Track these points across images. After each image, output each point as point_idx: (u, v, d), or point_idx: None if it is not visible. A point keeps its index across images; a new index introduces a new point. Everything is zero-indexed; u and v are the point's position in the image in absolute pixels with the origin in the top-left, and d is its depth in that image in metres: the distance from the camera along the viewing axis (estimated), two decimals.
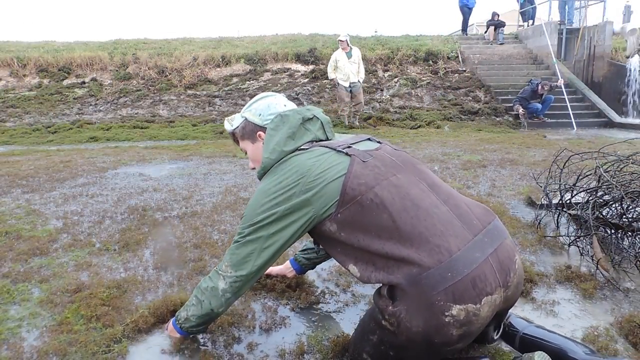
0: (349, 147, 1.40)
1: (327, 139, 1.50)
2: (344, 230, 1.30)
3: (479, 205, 1.39)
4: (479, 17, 14.81)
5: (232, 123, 1.62)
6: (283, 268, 2.04)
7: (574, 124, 9.17)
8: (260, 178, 1.48)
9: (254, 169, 1.60)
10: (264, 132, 1.53)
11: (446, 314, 1.18)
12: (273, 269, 2.03)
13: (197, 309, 1.50)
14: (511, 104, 9.82)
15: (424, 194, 1.31)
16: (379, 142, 1.49)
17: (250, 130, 1.57)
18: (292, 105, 1.60)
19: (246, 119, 1.58)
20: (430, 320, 1.19)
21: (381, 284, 1.31)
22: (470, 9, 14.02)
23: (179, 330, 1.59)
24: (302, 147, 1.43)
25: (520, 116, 9.11)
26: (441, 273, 1.18)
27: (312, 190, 1.31)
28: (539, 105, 9.32)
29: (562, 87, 9.60)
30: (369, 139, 1.50)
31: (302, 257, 1.97)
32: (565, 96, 9.55)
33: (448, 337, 1.20)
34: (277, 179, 1.37)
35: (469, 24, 14.59)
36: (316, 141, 1.47)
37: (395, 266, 1.23)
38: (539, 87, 9.08)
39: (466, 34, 14.33)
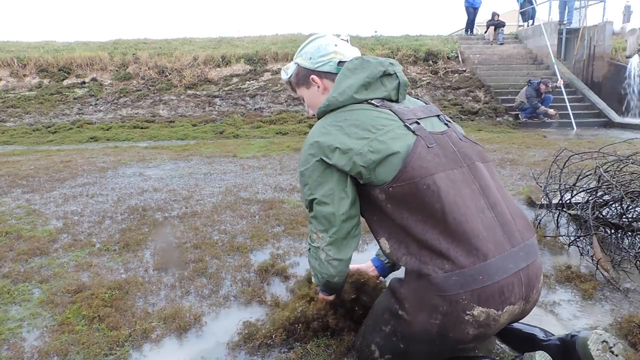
0: (417, 122, 1.34)
1: (398, 101, 1.44)
2: (392, 203, 1.28)
3: (524, 217, 1.37)
4: (479, 17, 14.81)
5: (287, 72, 1.59)
6: (364, 267, 1.86)
7: (573, 124, 9.17)
8: (319, 117, 1.42)
9: (314, 115, 1.52)
10: (317, 76, 1.50)
11: (467, 312, 1.19)
12: (353, 267, 1.76)
13: (316, 279, 1.51)
14: (511, 104, 9.83)
15: (474, 195, 1.28)
16: (446, 123, 1.42)
17: (304, 76, 1.53)
18: (343, 45, 1.54)
19: (298, 64, 1.54)
20: (450, 315, 1.20)
21: (405, 272, 1.31)
22: (476, 9, 14.03)
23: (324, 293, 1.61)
24: (372, 102, 1.38)
25: (551, 117, 9.12)
26: (473, 275, 1.19)
27: (378, 151, 1.26)
28: (539, 105, 9.34)
29: (562, 87, 9.60)
30: (438, 117, 1.43)
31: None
32: (565, 96, 9.55)
33: (463, 335, 1.22)
34: (345, 122, 1.32)
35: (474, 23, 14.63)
36: (387, 100, 1.42)
37: (428, 256, 1.23)
38: (540, 86, 9.11)
39: (473, 34, 14.33)
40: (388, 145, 1.26)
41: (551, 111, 9.16)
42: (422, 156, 1.26)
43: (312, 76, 1.51)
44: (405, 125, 1.32)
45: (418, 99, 1.58)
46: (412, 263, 1.26)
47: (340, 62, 1.47)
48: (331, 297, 1.63)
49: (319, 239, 1.39)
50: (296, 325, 1.62)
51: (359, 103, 1.37)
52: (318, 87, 1.50)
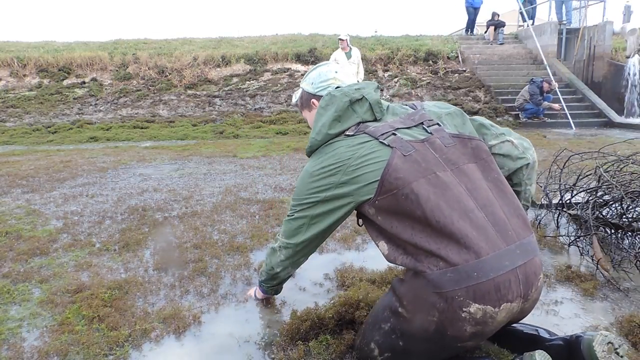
0: (394, 134, 1.37)
1: (375, 120, 1.48)
2: (381, 215, 1.34)
3: (520, 216, 1.36)
4: (479, 17, 14.81)
5: (296, 96, 1.73)
6: None
7: (572, 124, 9.18)
8: (308, 155, 1.54)
9: None
10: (317, 100, 1.62)
11: (464, 309, 1.20)
12: None
13: (265, 266, 1.74)
14: (511, 104, 9.84)
15: (461, 196, 1.28)
16: (430, 132, 1.40)
17: (306, 99, 1.66)
18: (344, 72, 1.65)
19: (302, 89, 1.68)
20: (447, 312, 1.22)
21: (405, 271, 1.35)
22: (476, 9, 14.02)
23: (261, 289, 1.86)
24: (347, 133, 1.45)
25: (556, 111, 9.29)
26: (467, 271, 1.20)
27: (351, 178, 1.35)
28: (540, 107, 9.36)
29: (556, 89, 9.65)
30: (421, 124, 1.43)
31: None
32: (560, 96, 9.59)
33: (461, 332, 1.23)
34: (321, 164, 1.42)
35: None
36: (363, 122, 1.47)
37: (423, 255, 1.26)
38: (544, 84, 9.15)
39: (473, 34, 14.34)
40: (364, 164, 1.34)
41: (555, 105, 9.22)
42: (397, 167, 1.29)
43: (313, 100, 1.63)
44: (380, 142, 1.36)
45: (420, 98, 1.59)
46: (408, 262, 1.29)
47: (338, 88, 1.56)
48: (261, 295, 1.90)
49: (281, 240, 1.58)
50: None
51: (335, 137, 1.46)
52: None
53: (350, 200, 1.37)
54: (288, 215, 1.54)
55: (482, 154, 1.41)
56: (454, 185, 1.29)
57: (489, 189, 1.34)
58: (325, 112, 1.48)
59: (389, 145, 1.34)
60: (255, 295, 1.94)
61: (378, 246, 1.40)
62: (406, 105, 1.56)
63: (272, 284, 1.80)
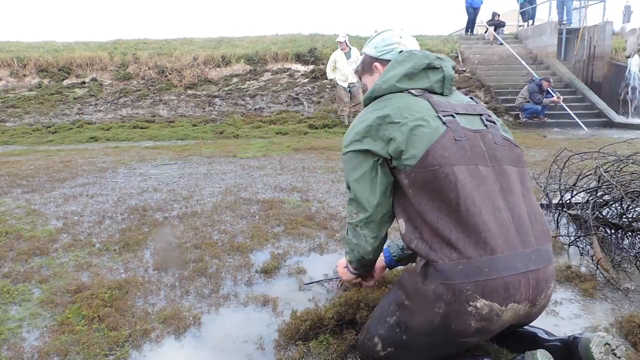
0: (452, 116, 1.38)
1: (442, 94, 1.48)
2: (413, 188, 1.33)
3: (543, 224, 1.37)
4: (479, 17, 14.83)
5: (357, 62, 1.72)
6: None
7: (581, 124, 9.19)
8: (365, 104, 1.51)
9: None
10: (379, 63, 1.60)
11: (471, 303, 1.21)
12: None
13: (351, 256, 1.61)
14: (511, 104, 9.85)
15: (493, 194, 1.30)
16: (485, 125, 1.42)
17: (368, 63, 1.65)
18: (408, 37, 1.64)
19: (365, 53, 1.66)
20: (454, 304, 1.22)
21: (415, 262, 1.36)
22: (475, 9, 14.03)
23: (350, 271, 1.73)
24: (412, 91, 1.44)
25: (556, 103, 9.38)
26: (479, 266, 1.21)
27: (403, 139, 1.33)
28: (539, 107, 9.37)
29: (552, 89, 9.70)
30: (480, 115, 1.45)
31: (396, 244, 1.88)
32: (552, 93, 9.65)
33: (465, 327, 1.23)
34: (380, 112, 1.40)
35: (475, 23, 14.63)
36: (429, 91, 1.46)
37: (438, 244, 1.26)
38: (543, 82, 9.18)
39: (473, 34, 14.34)
40: (415, 132, 1.32)
41: (554, 98, 9.26)
42: (446, 146, 1.30)
43: (375, 64, 1.62)
44: (438, 116, 1.36)
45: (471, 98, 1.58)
46: (421, 248, 1.30)
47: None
48: (352, 278, 1.76)
49: (356, 219, 1.49)
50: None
51: (400, 92, 1.44)
52: (379, 74, 1.58)
53: (397, 158, 1.34)
54: (349, 186, 1.46)
55: (523, 163, 1.45)
56: (489, 182, 1.31)
57: (522, 194, 1.36)
58: (399, 66, 1.47)
59: (444, 124, 1.34)
60: (348, 271, 1.76)
61: (398, 222, 1.41)
62: (470, 97, 1.57)
63: (369, 266, 1.70)
